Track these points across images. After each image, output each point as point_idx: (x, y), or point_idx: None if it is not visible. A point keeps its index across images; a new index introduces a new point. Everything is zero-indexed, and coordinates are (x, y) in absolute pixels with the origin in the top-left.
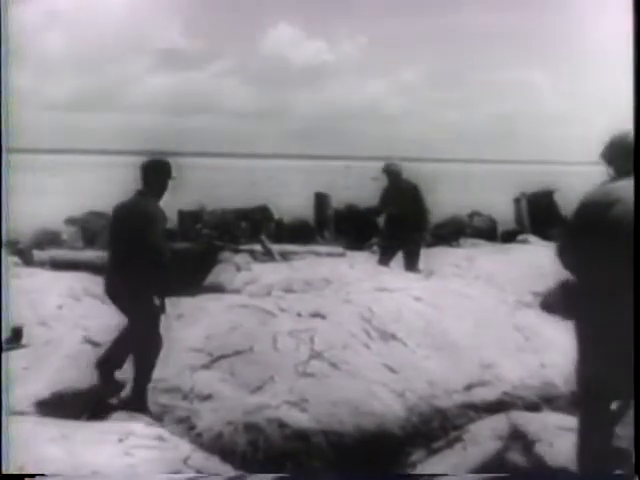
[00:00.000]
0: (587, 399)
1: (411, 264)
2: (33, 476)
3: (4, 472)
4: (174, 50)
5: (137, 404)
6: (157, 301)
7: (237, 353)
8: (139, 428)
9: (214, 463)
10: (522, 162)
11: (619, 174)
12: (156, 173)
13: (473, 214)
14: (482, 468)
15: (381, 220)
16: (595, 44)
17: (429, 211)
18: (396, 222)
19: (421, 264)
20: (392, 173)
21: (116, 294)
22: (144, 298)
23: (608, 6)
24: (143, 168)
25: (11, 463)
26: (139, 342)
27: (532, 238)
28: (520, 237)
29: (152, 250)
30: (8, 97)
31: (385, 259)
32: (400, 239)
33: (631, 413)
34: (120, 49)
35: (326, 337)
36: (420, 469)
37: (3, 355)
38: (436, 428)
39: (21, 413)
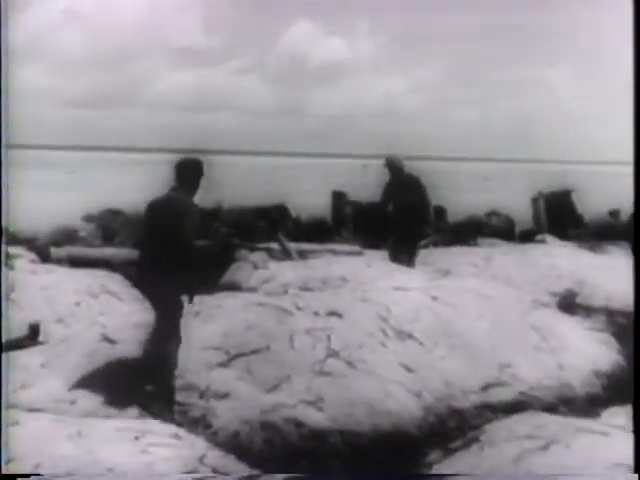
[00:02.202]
0: None
1: (408, 259)
2: (28, 476)
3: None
4: (193, 48)
5: (161, 406)
6: (185, 297)
7: (254, 351)
8: (155, 426)
9: (230, 462)
10: (540, 161)
11: None
12: (189, 171)
13: (491, 213)
14: None
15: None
16: (615, 42)
17: (431, 205)
18: (400, 216)
19: (438, 263)
20: (394, 167)
21: (148, 288)
22: (173, 293)
23: (627, 4)
24: (177, 167)
25: (26, 460)
26: (165, 338)
27: (550, 238)
28: (538, 237)
29: (185, 245)
30: (25, 94)
31: (395, 255)
32: (404, 232)
33: None
34: (139, 47)
35: (343, 336)
36: (437, 469)
37: (17, 353)
38: (453, 428)
39: (38, 410)
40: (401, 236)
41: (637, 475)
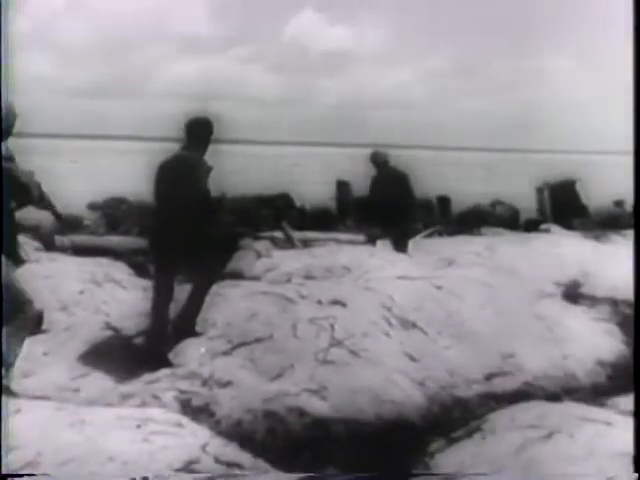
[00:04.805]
0: None
1: (400, 247)
2: (22, 476)
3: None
4: (197, 36)
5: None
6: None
7: (257, 340)
8: (158, 414)
9: (232, 450)
10: (545, 151)
11: None
12: (199, 130)
13: (495, 203)
14: None
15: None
16: (621, 32)
17: (415, 199)
18: (386, 209)
19: (442, 252)
20: (379, 162)
21: (165, 253)
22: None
23: None
24: (187, 126)
25: (28, 448)
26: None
27: (554, 227)
28: (542, 226)
29: (201, 199)
30: (31, 83)
31: (371, 240)
32: (387, 226)
33: None
34: (143, 35)
35: (346, 325)
36: (439, 458)
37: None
38: (456, 418)
39: (41, 398)
40: (389, 229)
41: (637, 475)
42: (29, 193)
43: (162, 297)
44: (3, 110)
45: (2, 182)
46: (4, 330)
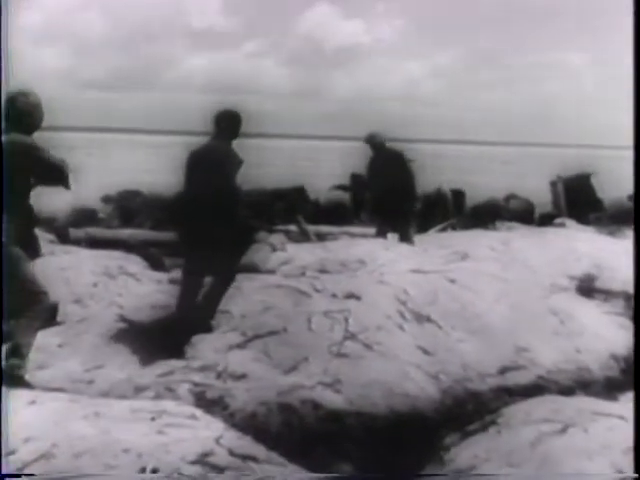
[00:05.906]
0: None
1: (404, 236)
2: (19, 475)
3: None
4: (211, 29)
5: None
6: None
7: (271, 333)
8: (172, 406)
9: (247, 443)
10: (559, 145)
11: None
12: (228, 121)
13: (509, 197)
14: None
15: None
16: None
17: (414, 176)
18: (384, 192)
19: (456, 246)
20: (375, 144)
21: (196, 243)
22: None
23: None
24: (216, 117)
25: (42, 440)
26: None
27: (569, 222)
28: (557, 220)
29: (230, 192)
30: (44, 76)
31: (381, 232)
32: (390, 210)
33: None
34: (158, 28)
35: (360, 318)
36: (454, 452)
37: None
38: (470, 411)
39: (55, 390)
40: (390, 213)
41: (637, 475)
42: (65, 171)
43: (190, 288)
44: (29, 105)
45: (2, 175)
46: (18, 322)
